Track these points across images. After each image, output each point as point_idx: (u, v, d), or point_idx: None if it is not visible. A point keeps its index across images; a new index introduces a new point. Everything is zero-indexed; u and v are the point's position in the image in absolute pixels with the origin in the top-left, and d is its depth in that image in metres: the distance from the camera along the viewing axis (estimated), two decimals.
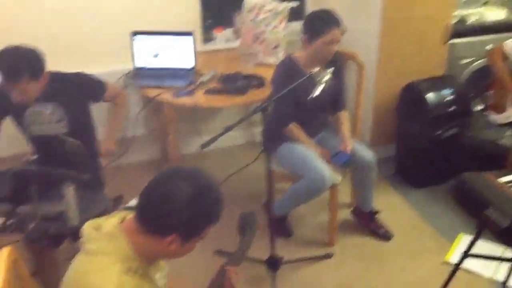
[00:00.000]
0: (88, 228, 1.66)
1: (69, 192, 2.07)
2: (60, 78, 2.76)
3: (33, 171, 1.99)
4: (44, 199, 2.28)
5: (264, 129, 2.72)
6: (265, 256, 2.98)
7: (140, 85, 3.60)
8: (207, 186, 1.60)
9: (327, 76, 2.67)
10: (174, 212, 1.54)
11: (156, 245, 1.60)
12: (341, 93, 3.31)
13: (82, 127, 2.80)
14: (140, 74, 3.72)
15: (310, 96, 2.67)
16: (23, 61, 2.54)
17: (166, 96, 3.41)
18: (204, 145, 2.41)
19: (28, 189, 2.25)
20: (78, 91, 2.81)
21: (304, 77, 2.69)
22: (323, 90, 2.69)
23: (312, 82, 2.68)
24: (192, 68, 3.70)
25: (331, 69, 2.70)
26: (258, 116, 4.37)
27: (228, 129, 2.46)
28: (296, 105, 3.07)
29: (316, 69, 2.69)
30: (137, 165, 4.20)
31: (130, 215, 1.68)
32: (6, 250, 1.70)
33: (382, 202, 3.61)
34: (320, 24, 2.93)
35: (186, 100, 3.37)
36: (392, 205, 3.75)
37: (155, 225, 1.58)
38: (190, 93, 3.41)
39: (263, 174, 2.77)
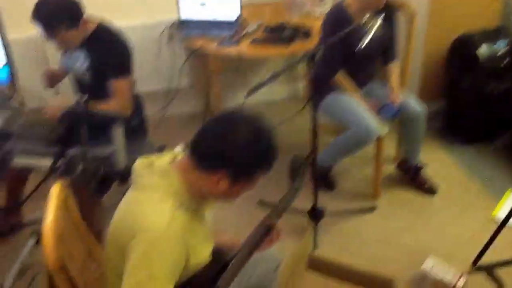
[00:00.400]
0: (140, 164, 1.68)
1: (118, 133, 2.09)
2: (102, 35, 2.78)
3: (84, 111, 2.00)
4: (93, 143, 2.32)
5: (310, 79, 2.68)
6: (307, 207, 2.98)
7: (184, 35, 3.59)
8: (265, 132, 1.60)
9: (377, 24, 2.61)
10: (228, 149, 1.55)
11: (205, 182, 1.60)
12: (393, 43, 3.23)
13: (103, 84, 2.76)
14: (184, 25, 3.69)
15: (359, 46, 2.61)
16: (60, 11, 2.57)
17: (211, 47, 3.39)
18: (249, 93, 2.39)
19: (77, 132, 2.29)
20: (106, 56, 2.78)
21: (354, 26, 2.63)
22: (373, 39, 2.63)
23: (362, 30, 2.62)
24: (237, 20, 3.65)
25: (381, 17, 2.63)
26: (302, 70, 4.40)
27: (274, 76, 2.43)
28: (345, 54, 3.01)
29: (366, 16, 2.62)
30: (180, 117, 4.20)
31: (181, 155, 1.69)
32: (57, 187, 1.73)
33: (428, 157, 3.54)
34: None
35: (230, 50, 3.34)
36: (438, 160, 3.67)
37: (207, 160, 1.59)
38: (235, 43, 3.37)
39: (306, 127, 2.74)
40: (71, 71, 2.91)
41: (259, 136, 1.59)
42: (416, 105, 3.15)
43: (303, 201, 2.93)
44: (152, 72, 3.83)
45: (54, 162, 2.18)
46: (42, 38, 2.71)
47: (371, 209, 3.25)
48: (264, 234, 1.85)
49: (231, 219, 2.99)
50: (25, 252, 2.86)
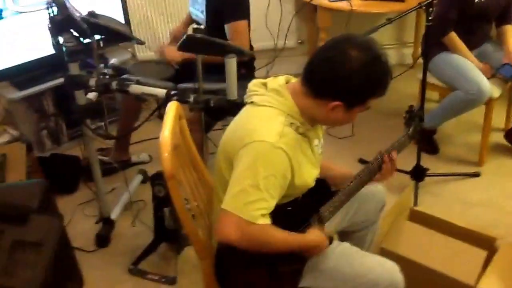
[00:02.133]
0: (255, 83, 1.72)
1: (231, 63, 2.13)
2: None
3: (202, 37, 2.06)
4: (205, 79, 2.39)
5: (424, 34, 2.61)
6: (410, 168, 2.94)
7: None
8: (378, 56, 1.57)
9: None
10: (342, 78, 1.54)
11: (319, 109, 1.61)
12: (510, 4, 3.09)
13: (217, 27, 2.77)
14: None
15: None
16: None
17: (322, 0, 3.37)
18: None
19: (191, 69, 2.37)
20: (219, 1, 2.79)
21: None
22: None
23: None
24: None
25: None
26: (411, 36, 4.29)
27: (389, 21, 2.39)
28: (461, 10, 2.91)
29: None
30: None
31: (294, 79, 1.71)
32: (173, 104, 1.80)
33: None
34: None
35: (341, 4, 3.32)
36: None
37: (322, 89, 1.59)
38: None
39: (412, 91, 2.66)
40: (193, 13, 2.99)
41: (373, 60, 1.55)
42: None
43: (405, 162, 2.90)
44: (259, 28, 3.87)
45: (169, 92, 2.26)
46: None
47: (475, 175, 3.16)
48: (377, 170, 1.86)
49: None
50: (132, 187, 3.02)
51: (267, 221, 1.54)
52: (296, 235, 1.67)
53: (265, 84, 1.70)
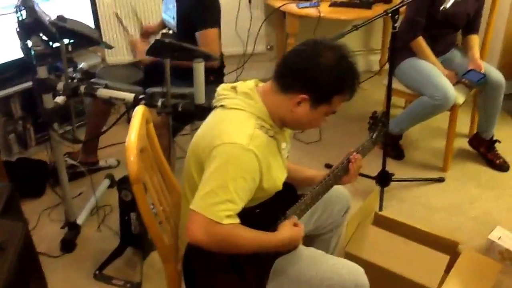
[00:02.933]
0: (224, 88, 1.74)
1: (199, 68, 2.14)
2: None
3: (170, 41, 2.06)
4: (174, 84, 2.39)
5: (391, 40, 2.66)
6: (375, 173, 2.98)
7: None
8: (348, 57, 1.62)
9: None
10: (311, 71, 1.58)
11: (286, 105, 1.64)
12: (479, 14, 3.18)
13: (187, 33, 2.78)
14: None
15: (443, 6, 2.58)
16: None
17: (290, 7, 3.41)
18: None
19: (160, 74, 2.37)
20: (190, 9, 2.79)
21: None
22: (460, 6, 2.58)
23: None
24: None
25: None
26: (378, 43, 4.36)
27: (355, 27, 2.43)
28: (429, 15, 2.97)
29: None
30: None
31: (263, 83, 1.74)
32: (141, 108, 1.80)
33: (503, 135, 3.45)
34: None
35: (310, 11, 3.36)
36: None
37: (291, 80, 1.62)
38: (315, 4, 3.39)
39: (378, 96, 2.70)
40: (165, 19, 2.99)
41: (342, 61, 1.60)
42: (495, 73, 3.09)
43: (370, 167, 2.96)
44: (229, 34, 3.89)
45: (137, 96, 2.26)
46: None
47: (440, 180, 3.21)
48: (342, 172, 1.89)
49: None
50: (99, 192, 3.00)
51: (234, 221, 1.55)
52: (268, 233, 1.67)
53: (234, 88, 1.72)
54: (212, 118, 1.72)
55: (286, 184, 1.83)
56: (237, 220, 1.57)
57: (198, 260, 1.69)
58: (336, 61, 1.59)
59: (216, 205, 1.52)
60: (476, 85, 3.06)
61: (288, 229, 1.70)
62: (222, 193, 1.53)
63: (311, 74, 1.59)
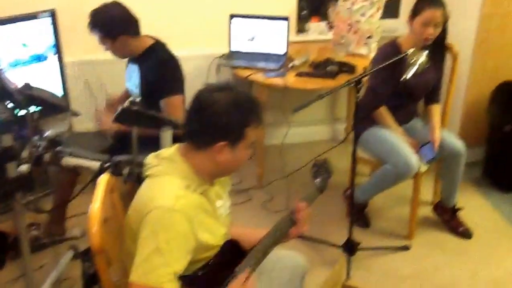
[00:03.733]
0: (149, 158, 1.79)
1: (167, 136, 2.16)
2: (155, 54, 2.88)
3: (138, 109, 2.09)
4: (141, 150, 2.39)
5: (354, 111, 2.73)
6: (342, 241, 2.98)
7: (233, 65, 3.70)
8: (240, 92, 1.70)
9: (421, 59, 2.65)
10: (213, 117, 1.65)
11: (208, 159, 1.69)
12: (439, 84, 3.28)
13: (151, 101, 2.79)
14: (233, 56, 3.82)
15: (404, 77, 2.67)
16: (124, 17, 2.78)
17: (258, 76, 3.49)
18: (295, 110, 2.46)
19: (127, 141, 2.38)
20: (159, 73, 2.86)
21: (398, 57, 2.69)
22: (420, 77, 2.67)
23: (409, 63, 2.68)
24: (284, 54, 3.76)
25: (425, 52, 2.68)
26: (343, 112, 4.45)
27: (320, 96, 2.49)
28: (391, 87, 3.05)
29: (411, 50, 2.68)
30: None
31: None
32: (105, 177, 1.80)
33: (466, 202, 3.52)
34: (419, 2, 2.94)
35: (276, 81, 3.44)
36: (476, 207, 3.65)
37: (201, 136, 1.69)
38: (281, 74, 3.48)
39: (343, 165, 2.74)
40: (128, 87, 3.03)
41: (237, 96, 1.68)
42: (455, 142, 3.17)
43: (337, 236, 2.97)
44: None
45: (102, 164, 2.25)
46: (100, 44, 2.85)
47: (405, 248, 3.23)
48: (289, 224, 1.88)
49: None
50: (63, 264, 2.93)
51: (174, 286, 1.55)
52: None
53: (157, 156, 1.77)
54: (141, 189, 1.75)
55: (231, 241, 1.83)
56: (178, 284, 1.56)
57: None
58: (230, 98, 1.67)
59: (153, 271, 1.53)
60: (428, 163, 3.11)
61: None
62: (156, 258, 1.53)
63: (215, 123, 1.65)
